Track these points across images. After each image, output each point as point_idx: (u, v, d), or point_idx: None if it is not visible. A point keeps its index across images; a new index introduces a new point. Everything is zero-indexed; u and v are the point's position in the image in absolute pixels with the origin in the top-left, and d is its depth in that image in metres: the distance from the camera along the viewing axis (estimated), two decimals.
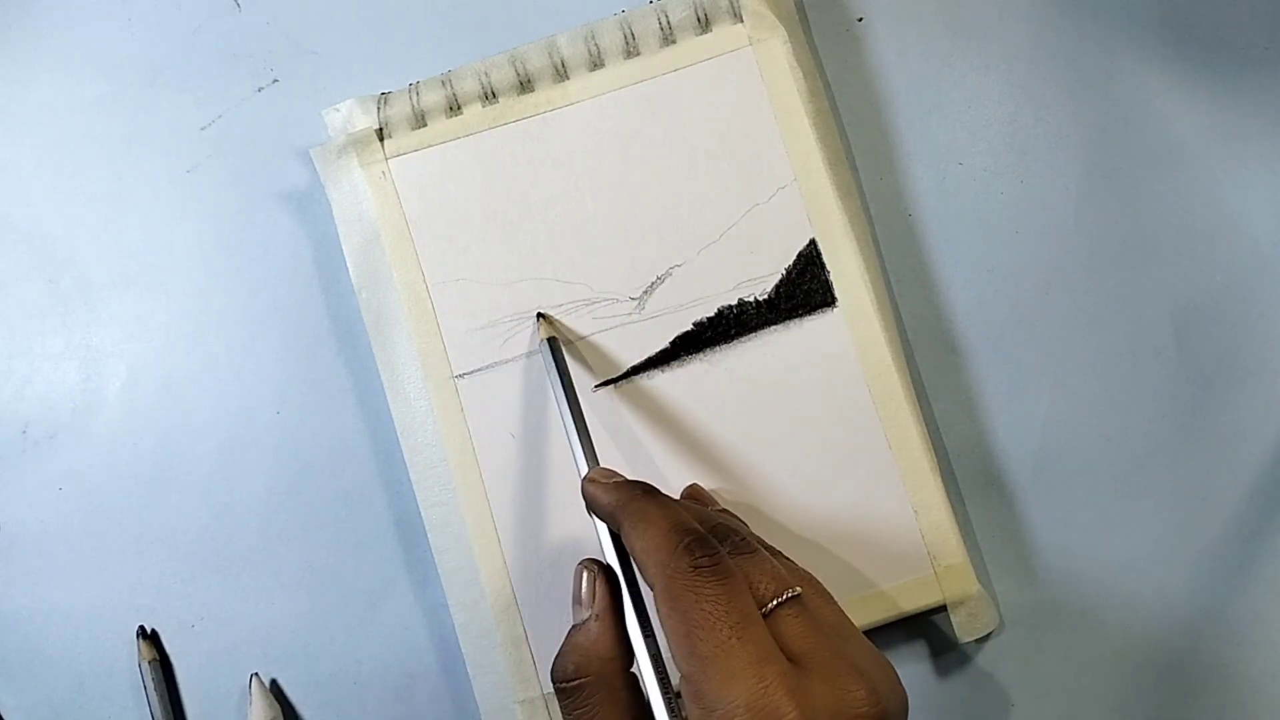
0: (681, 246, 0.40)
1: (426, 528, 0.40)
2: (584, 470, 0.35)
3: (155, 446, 0.42)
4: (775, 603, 0.29)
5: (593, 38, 0.41)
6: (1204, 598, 0.39)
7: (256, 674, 0.41)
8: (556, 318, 0.40)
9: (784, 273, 0.40)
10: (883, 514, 0.38)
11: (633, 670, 0.31)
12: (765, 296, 0.40)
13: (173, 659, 0.41)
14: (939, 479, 0.38)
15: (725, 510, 0.38)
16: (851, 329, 0.39)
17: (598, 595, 0.32)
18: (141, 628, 0.41)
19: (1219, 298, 0.40)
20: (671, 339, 0.40)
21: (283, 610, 0.41)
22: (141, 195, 0.44)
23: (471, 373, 0.40)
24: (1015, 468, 0.40)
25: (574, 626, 0.32)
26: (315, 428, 0.42)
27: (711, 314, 0.40)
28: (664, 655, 0.30)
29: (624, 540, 0.32)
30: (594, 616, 0.32)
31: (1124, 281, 0.41)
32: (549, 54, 0.41)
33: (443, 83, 0.41)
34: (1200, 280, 0.41)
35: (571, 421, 0.36)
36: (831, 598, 0.31)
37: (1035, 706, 0.39)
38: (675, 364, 0.40)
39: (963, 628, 0.38)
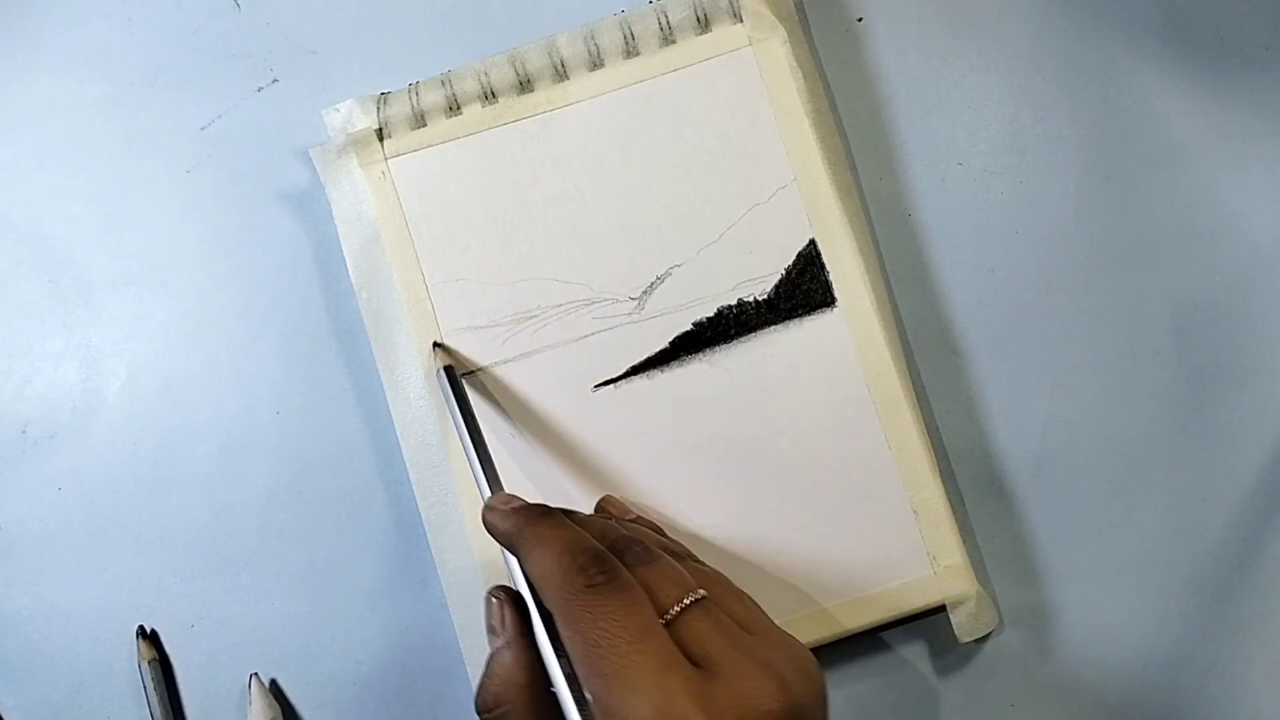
0: (681, 246, 0.40)
1: (426, 528, 0.40)
2: (486, 497, 0.35)
3: (155, 446, 0.42)
4: (678, 608, 0.29)
5: (592, 38, 0.41)
6: (1204, 597, 0.39)
7: (256, 674, 0.41)
8: (452, 346, 0.40)
9: (784, 273, 0.40)
10: (883, 514, 0.38)
11: (552, 690, 0.31)
12: (765, 296, 0.40)
13: (173, 659, 0.41)
14: (939, 479, 0.38)
15: (638, 519, 0.38)
16: (851, 329, 0.39)
17: (507, 622, 0.32)
18: (141, 628, 0.41)
19: (1219, 298, 0.40)
20: (671, 339, 0.40)
21: (283, 610, 0.41)
22: (141, 195, 0.44)
23: (472, 373, 0.40)
24: (1015, 468, 0.40)
25: (490, 655, 0.32)
26: (315, 428, 0.42)
27: (711, 314, 0.40)
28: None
29: (522, 565, 0.32)
30: (505, 643, 0.32)
31: (1124, 281, 0.41)
32: (549, 54, 0.41)
33: (443, 83, 0.41)
34: (1200, 280, 0.41)
35: (472, 448, 0.36)
36: (743, 594, 0.31)
37: (1035, 706, 0.39)
38: (675, 364, 0.40)
39: (963, 628, 0.38)
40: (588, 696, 0.29)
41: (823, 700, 0.29)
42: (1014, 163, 0.42)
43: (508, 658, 0.32)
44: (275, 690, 0.41)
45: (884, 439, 0.39)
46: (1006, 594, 0.40)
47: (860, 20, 0.43)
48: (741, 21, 0.41)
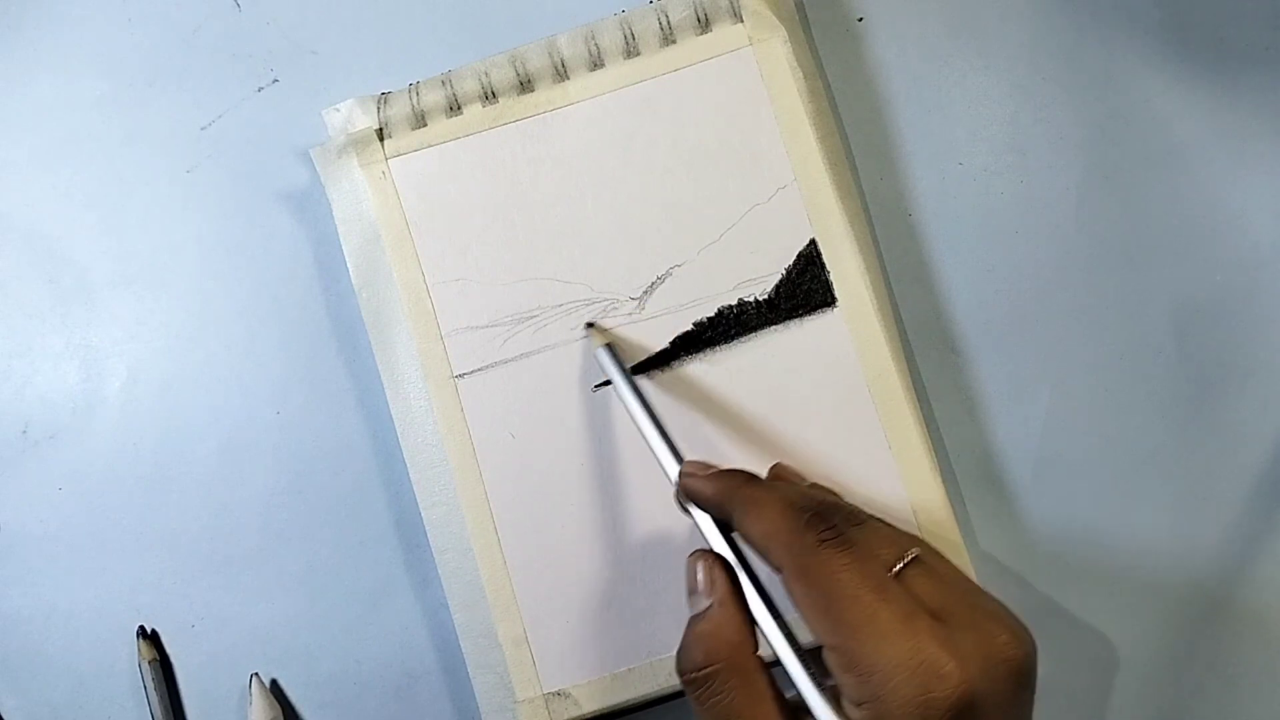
0: (681, 246, 0.40)
1: (426, 528, 0.40)
2: (670, 467, 0.35)
3: (155, 446, 0.42)
4: (900, 565, 0.30)
5: (593, 38, 0.41)
6: (1204, 597, 0.39)
7: (256, 674, 0.41)
8: (600, 323, 0.40)
9: (784, 273, 0.40)
10: (883, 514, 0.38)
11: (758, 654, 0.31)
12: (765, 296, 0.40)
13: (173, 659, 0.41)
14: (939, 479, 0.38)
15: (816, 485, 0.38)
16: (851, 329, 0.39)
17: (717, 582, 0.32)
18: (141, 628, 0.41)
19: (1219, 298, 0.40)
20: (671, 339, 0.40)
21: (283, 610, 0.41)
22: (141, 195, 0.44)
23: (471, 373, 0.40)
24: (1015, 468, 0.40)
25: (694, 617, 0.32)
26: (315, 428, 0.42)
27: (711, 314, 0.40)
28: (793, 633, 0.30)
29: (738, 528, 0.32)
30: (717, 603, 0.32)
31: (1124, 281, 0.41)
32: (549, 54, 0.41)
33: (443, 83, 0.41)
34: (1200, 280, 0.41)
35: (648, 423, 0.36)
36: (941, 554, 0.32)
37: (1035, 706, 0.39)
38: (675, 364, 0.40)
39: None
40: (814, 650, 0.29)
41: (1037, 652, 0.29)
42: (1014, 163, 0.42)
43: (719, 617, 0.31)
44: (275, 690, 0.41)
45: (884, 439, 0.39)
46: (1006, 594, 0.39)
47: (860, 20, 0.43)
48: (742, 21, 0.41)
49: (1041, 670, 0.39)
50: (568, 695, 0.38)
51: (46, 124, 0.44)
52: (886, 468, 0.39)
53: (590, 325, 0.40)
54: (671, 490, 0.35)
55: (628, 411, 0.37)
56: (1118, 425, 0.40)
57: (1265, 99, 0.41)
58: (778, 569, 0.30)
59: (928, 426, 0.40)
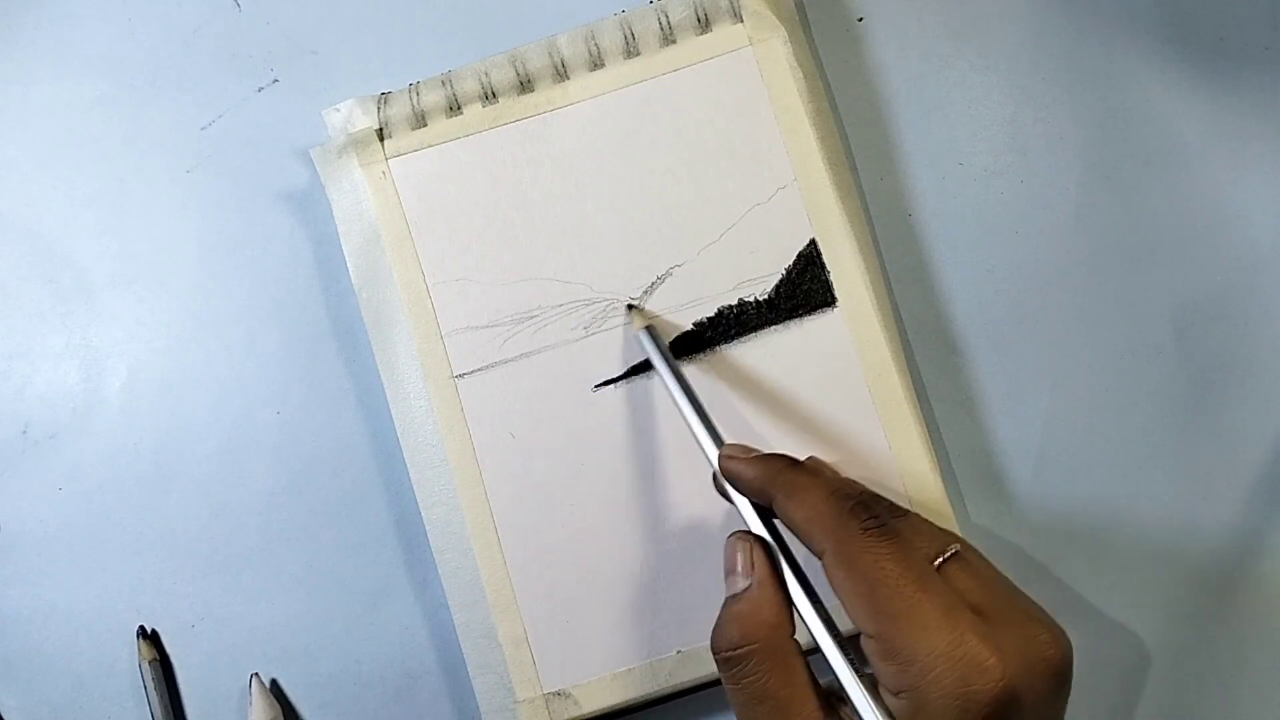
0: (681, 246, 0.40)
1: (426, 528, 0.40)
2: (711, 450, 0.35)
3: (155, 446, 0.42)
4: (941, 559, 0.30)
5: (593, 38, 0.41)
6: (1204, 597, 0.39)
7: (256, 674, 0.41)
8: (645, 308, 0.40)
9: (784, 273, 0.40)
10: None
11: (794, 637, 0.31)
12: (765, 296, 0.40)
13: (173, 659, 0.41)
14: (939, 479, 0.38)
15: (849, 479, 0.38)
16: (851, 329, 0.39)
17: (756, 563, 0.32)
18: (141, 628, 0.41)
19: (1219, 298, 0.40)
20: (672, 339, 0.40)
21: (283, 610, 0.41)
22: (141, 195, 0.44)
23: (471, 373, 0.40)
24: (1015, 468, 0.40)
25: (731, 597, 0.32)
26: (315, 428, 0.42)
27: (711, 314, 0.40)
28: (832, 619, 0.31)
29: (780, 511, 0.32)
30: (756, 584, 0.32)
31: (1124, 281, 0.41)
32: (549, 54, 0.41)
33: (443, 83, 0.41)
34: (1200, 280, 0.41)
35: (689, 406, 0.36)
36: (980, 553, 0.32)
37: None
38: None
39: None
40: (853, 636, 0.29)
41: (1073, 654, 0.30)
42: (1014, 163, 0.42)
43: (757, 597, 0.31)
44: (275, 690, 0.41)
45: (884, 439, 0.39)
46: None
47: (860, 20, 0.43)
48: (742, 21, 0.41)
49: None
50: (568, 695, 0.38)
51: (46, 124, 0.44)
52: (887, 468, 0.39)
53: (631, 307, 0.40)
54: (710, 472, 0.35)
55: (669, 393, 0.37)
56: (1118, 425, 0.40)
57: (1265, 99, 0.41)
58: (819, 554, 0.30)
59: (928, 426, 0.40)
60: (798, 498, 0.31)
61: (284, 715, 0.40)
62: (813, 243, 0.40)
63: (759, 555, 0.32)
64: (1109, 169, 0.41)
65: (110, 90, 0.44)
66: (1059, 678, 0.28)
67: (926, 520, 0.32)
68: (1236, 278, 0.40)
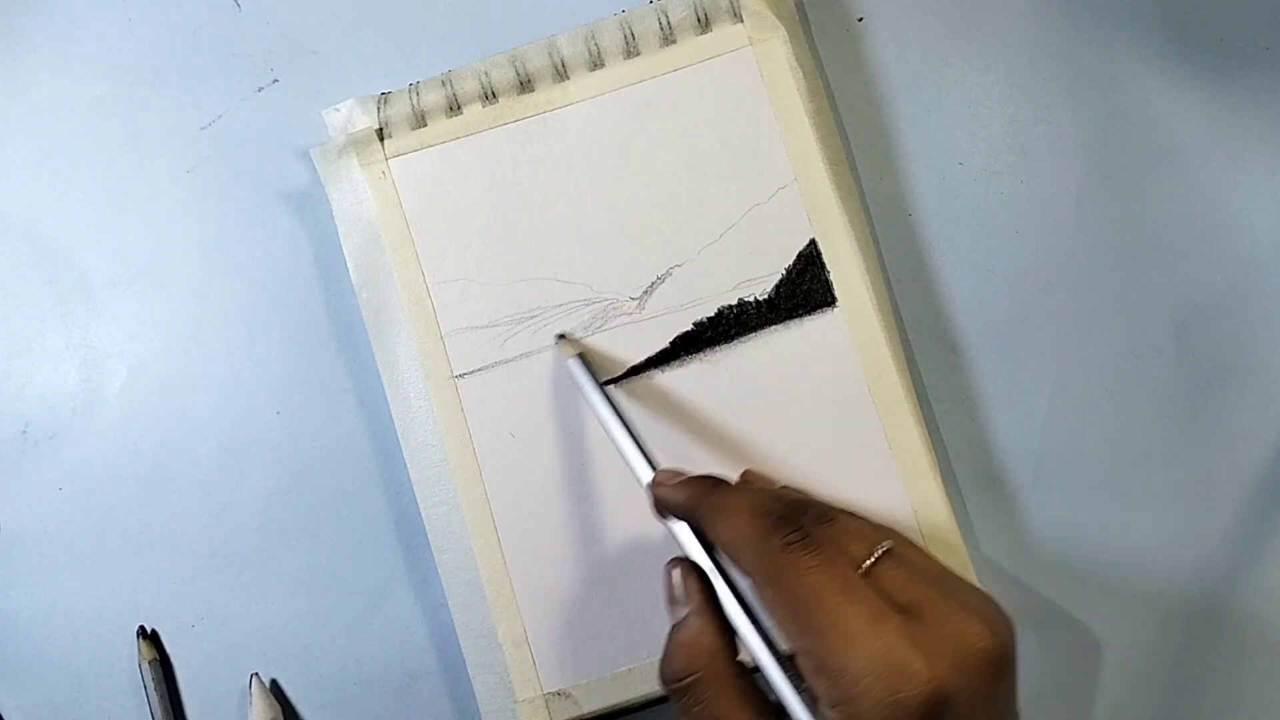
0: (681, 246, 0.40)
1: (426, 528, 0.40)
2: (644, 476, 0.35)
3: (155, 446, 0.42)
4: (870, 561, 0.29)
5: (593, 38, 0.41)
6: (1204, 598, 0.39)
7: (256, 674, 0.41)
8: (570, 331, 0.40)
9: (784, 273, 0.40)
10: (883, 514, 0.38)
11: (739, 659, 0.31)
12: (765, 296, 0.40)
13: (173, 659, 0.41)
14: (939, 479, 0.38)
15: (786, 487, 0.38)
16: (851, 329, 0.39)
17: (692, 590, 0.32)
18: (141, 628, 0.41)
19: (1219, 298, 0.40)
20: (671, 339, 0.40)
21: (283, 610, 0.41)
22: (141, 195, 0.44)
23: (471, 373, 0.40)
24: (1015, 468, 0.40)
25: (673, 626, 0.32)
26: (315, 428, 0.42)
27: (711, 314, 0.40)
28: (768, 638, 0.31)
29: (708, 534, 0.32)
30: (692, 612, 0.32)
31: (1124, 281, 0.41)
32: (549, 54, 0.41)
33: (443, 83, 0.41)
34: (1200, 280, 0.41)
35: (621, 433, 0.36)
36: (917, 544, 0.32)
37: (1035, 706, 0.39)
38: (675, 364, 0.40)
39: None
40: (792, 654, 0.29)
41: (1016, 638, 0.29)
42: (1014, 163, 0.42)
43: (696, 625, 0.32)
44: (275, 690, 0.41)
45: (884, 439, 0.39)
46: (1006, 594, 0.39)
47: (860, 20, 0.43)
48: (742, 21, 0.41)
49: (1040, 671, 0.39)
50: (568, 695, 0.38)
51: (46, 124, 0.44)
52: (886, 468, 0.39)
53: (561, 336, 0.40)
54: (648, 500, 0.35)
55: (600, 423, 0.37)
56: (1118, 425, 0.40)
57: (1265, 99, 0.41)
58: (747, 574, 0.30)
59: (928, 426, 0.40)
60: (721, 519, 0.31)
61: (284, 715, 0.40)
62: (813, 243, 0.40)
63: (693, 582, 0.32)
64: (1109, 169, 0.41)
65: (110, 90, 0.44)
66: (995, 667, 0.28)
67: (857, 520, 0.32)
68: (1236, 278, 0.40)
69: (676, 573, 0.33)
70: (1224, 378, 0.40)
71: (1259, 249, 0.40)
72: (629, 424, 0.36)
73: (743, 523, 0.31)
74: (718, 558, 0.32)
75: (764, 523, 0.30)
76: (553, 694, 0.38)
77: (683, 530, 0.33)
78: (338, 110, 0.42)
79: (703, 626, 0.31)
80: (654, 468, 0.35)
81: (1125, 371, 0.40)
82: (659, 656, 0.38)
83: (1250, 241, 0.41)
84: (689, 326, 0.40)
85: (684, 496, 0.33)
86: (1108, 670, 0.39)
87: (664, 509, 0.34)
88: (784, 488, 0.38)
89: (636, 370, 0.40)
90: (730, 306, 0.40)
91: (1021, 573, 0.40)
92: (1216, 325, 0.40)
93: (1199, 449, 0.40)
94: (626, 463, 0.35)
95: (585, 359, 0.38)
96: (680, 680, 0.31)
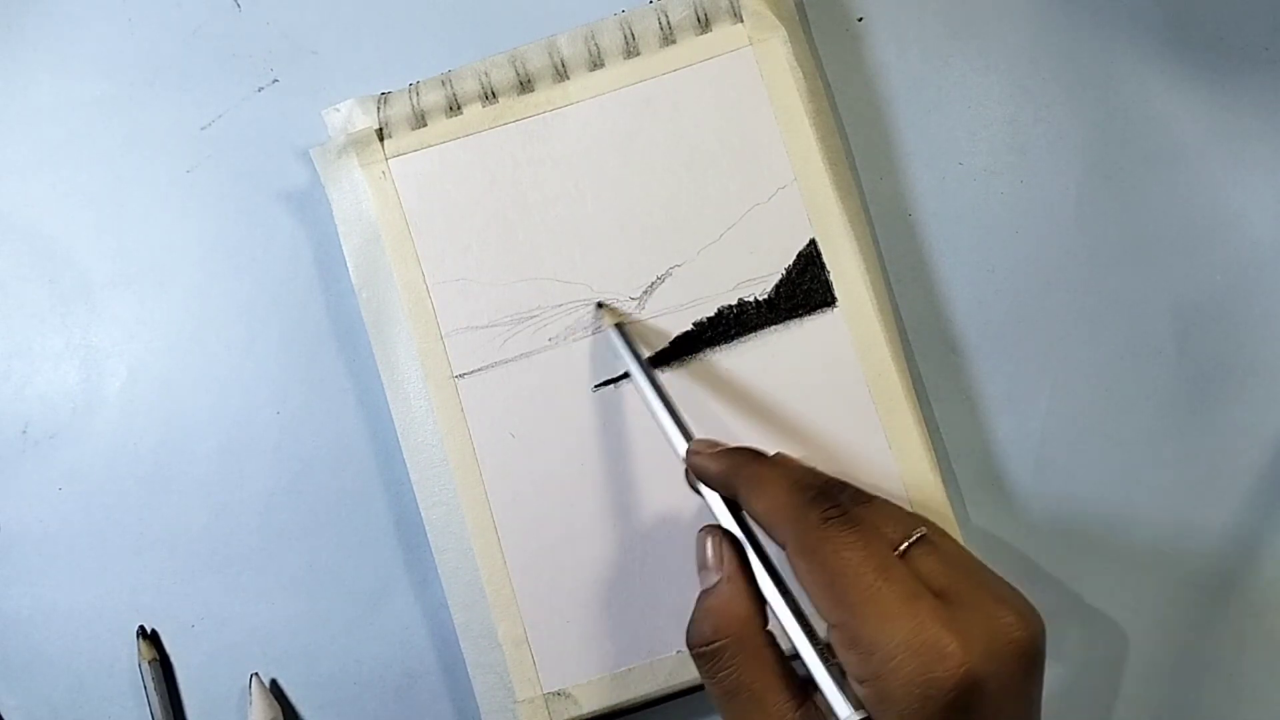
0: (681, 246, 0.40)
1: (426, 528, 0.40)
2: (679, 445, 0.35)
3: (155, 446, 0.42)
4: (906, 544, 0.30)
5: (593, 38, 0.41)
6: (1204, 596, 0.39)
7: (256, 674, 0.41)
8: (610, 304, 0.40)
9: (784, 273, 0.40)
10: None
11: (768, 629, 0.31)
12: (765, 296, 0.40)
13: (173, 659, 0.41)
14: (939, 478, 0.38)
15: (812, 470, 0.38)
16: (851, 329, 0.39)
17: (725, 557, 0.32)
18: (141, 628, 0.41)
19: (1219, 298, 0.40)
20: (671, 339, 0.40)
21: (283, 610, 0.41)
22: (141, 195, 0.44)
23: (471, 373, 0.40)
24: (1015, 467, 0.40)
25: (703, 592, 0.32)
26: (315, 428, 0.42)
27: (711, 314, 0.40)
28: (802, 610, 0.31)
29: (744, 504, 0.32)
30: (725, 578, 0.32)
31: (1124, 281, 0.41)
32: (549, 54, 0.41)
33: (443, 83, 0.41)
34: (1200, 280, 0.41)
35: (658, 402, 0.36)
36: (949, 535, 0.32)
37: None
38: (675, 364, 0.40)
39: None
40: (822, 628, 0.29)
41: (1045, 635, 0.29)
42: (1014, 163, 0.42)
43: (726, 592, 0.32)
44: (275, 690, 0.41)
45: (884, 439, 0.39)
46: None
47: (860, 20, 0.43)
48: (742, 21, 0.41)
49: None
50: (568, 695, 0.38)
51: (46, 124, 0.44)
52: (886, 468, 0.39)
53: (601, 305, 0.40)
54: (681, 469, 0.35)
55: (638, 392, 0.37)
56: (1118, 425, 0.40)
57: (1265, 99, 0.41)
58: (782, 545, 0.30)
59: (928, 426, 0.40)
60: (759, 490, 0.31)
61: (284, 715, 0.40)
62: (813, 243, 0.40)
63: (727, 549, 0.32)
64: (1109, 169, 0.41)
65: (110, 90, 0.44)
66: (1027, 659, 0.28)
67: (892, 504, 0.32)
68: (1236, 278, 0.40)
69: (710, 539, 0.33)
70: (1224, 378, 0.40)
71: (1259, 249, 0.40)
72: (666, 394, 0.36)
73: (782, 494, 0.31)
74: (750, 529, 0.33)
75: (803, 496, 0.30)
76: (553, 694, 0.38)
77: (715, 500, 0.33)
78: (338, 110, 0.42)
79: (734, 593, 0.31)
80: (690, 438, 0.35)
81: (1125, 371, 0.40)
82: (659, 656, 0.38)
83: (1250, 241, 0.41)
84: (689, 326, 0.40)
85: (721, 466, 0.33)
86: (1108, 667, 0.39)
87: (700, 477, 0.34)
88: (815, 470, 0.38)
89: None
90: (730, 306, 0.40)
91: (1021, 572, 0.40)
92: (1216, 325, 0.40)
93: (1199, 449, 0.40)
94: (662, 431, 0.36)
95: (623, 328, 0.39)
96: (708, 644, 0.31)
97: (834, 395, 0.39)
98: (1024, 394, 0.40)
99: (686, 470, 0.34)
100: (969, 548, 0.38)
